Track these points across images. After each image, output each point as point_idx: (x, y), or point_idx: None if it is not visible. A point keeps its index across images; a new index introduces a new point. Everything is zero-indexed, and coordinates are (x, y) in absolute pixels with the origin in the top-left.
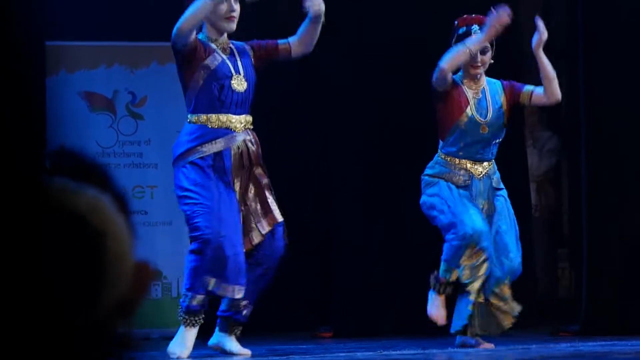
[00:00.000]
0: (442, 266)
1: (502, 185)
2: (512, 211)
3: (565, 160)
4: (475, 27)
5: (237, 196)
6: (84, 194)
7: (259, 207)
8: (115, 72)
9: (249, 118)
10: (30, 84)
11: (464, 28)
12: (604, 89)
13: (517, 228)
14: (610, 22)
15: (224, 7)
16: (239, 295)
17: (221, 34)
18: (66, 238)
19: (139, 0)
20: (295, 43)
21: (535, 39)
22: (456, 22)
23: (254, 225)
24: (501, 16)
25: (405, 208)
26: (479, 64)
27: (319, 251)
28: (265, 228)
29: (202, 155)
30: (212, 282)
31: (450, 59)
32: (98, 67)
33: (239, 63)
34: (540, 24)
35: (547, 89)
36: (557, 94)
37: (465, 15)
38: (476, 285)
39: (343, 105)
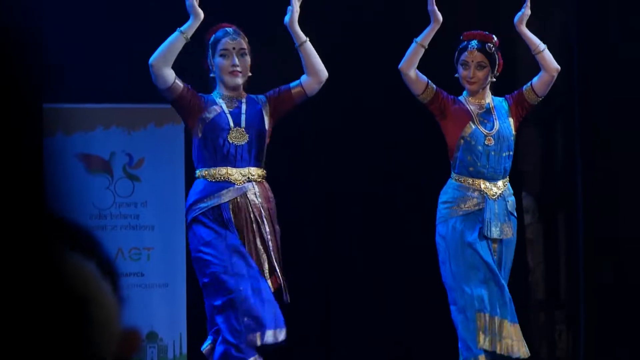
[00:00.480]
0: (461, 347)
1: (515, 214)
2: (513, 249)
3: (562, 217)
4: (474, 42)
5: (247, 247)
6: (69, 260)
7: (265, 265)
8: (112, 134)
9: (255, 170)
10: (28, 146)
11: (465, 42)
12: (601, 144)
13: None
14: (607, 73)
15: (226, 62)
16: (281, 337)
17: (229, 89)
18: (51, 304)
19: (135, 62)
20: (305, 79)
21: (518, 15)
22: (461, 37)
23: (270, 267)
24: None
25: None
26: (474, 80)
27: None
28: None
29: (202, 211)
30: (257, 338)
31: (405, 59)
32: (95, 129)
33: (243, 115)
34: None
35: (542, 62)
36: (554, 62)
37: (471, 31)
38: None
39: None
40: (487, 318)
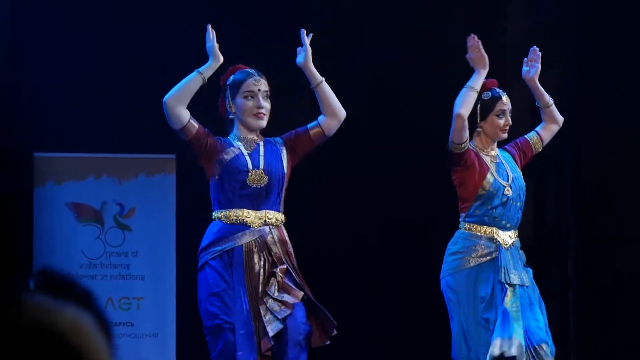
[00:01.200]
0: None
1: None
2: (539, 296)
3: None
4: (499, 89)
5: (249, 296)
6: (65, 312)
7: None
8: (103, 183)
9: (273, 214)
10: (19, 195)
11: (489, 92)
12: (591, 205)
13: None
14: (597, 133)
15: (250, 103)
16: None
17: (250, 131)
18: (46, 356)
19: (126, 113)
20: (323, 119)
21: (532, 71)
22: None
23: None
24: (471, 46)
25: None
26: (508, 127)
27: None
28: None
29: (216, 254)
30: None
31: (462, 104)
32: (86, 178)
33: (261, 158)
34: (536, 54)
35: (551, 115)
36: (559, 115)
37: (489, 80)
38: None
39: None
40: None
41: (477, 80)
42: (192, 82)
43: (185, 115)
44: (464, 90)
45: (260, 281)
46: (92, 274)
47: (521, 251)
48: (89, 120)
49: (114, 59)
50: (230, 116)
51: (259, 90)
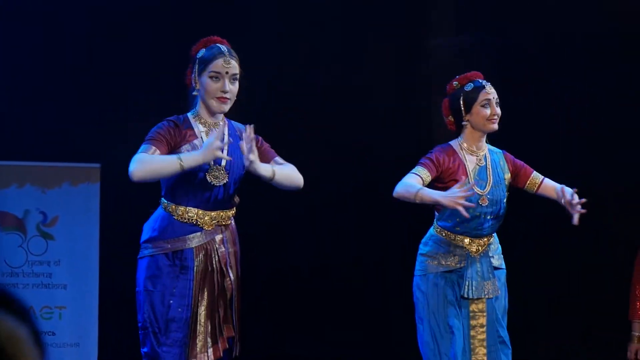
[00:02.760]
0: None
1: (503, 265)
2: (506, 302)
3: None
4: (482, 80)
5: (194, 300)
6: (2, 323)
7: (221, 313)
8: (26, 192)
9: (225, 213)
10: None
11: (471, 84)
12: None
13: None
14: None
15: (215, 85)
16: None
17: (212, 114)
18: None
19: (51, 121)
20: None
21: (572, 207)
22: (456, 83)
23: (224, 317)
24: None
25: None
26: (497, 118)
27: None
28: (222, 346)
29: (163, 251)
30: None
31: (401, 195)
32: (9, 186)
33: (224, 152)
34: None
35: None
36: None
37: (460, 75)
38: None
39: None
40: None
41: (426, 194)
42: (168, 167)
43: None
44: (414, 189)
45: (208, 288)
46: (14, 282)
47: (496, 253)
48: (13, 128)
49: (38, 66)
50: (194, 92)
51: (227, 72)
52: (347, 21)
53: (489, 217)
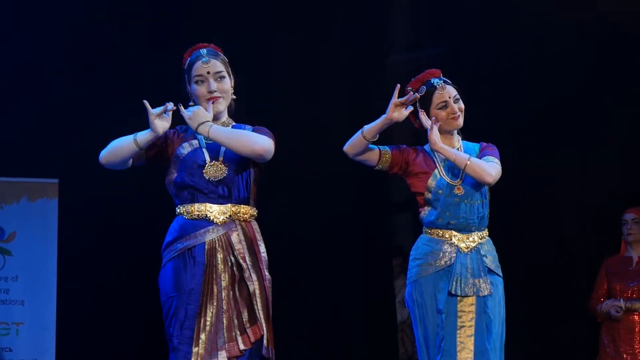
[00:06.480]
0: None
1: (500, 272)
2: (503, 312)
3: None
4: (434, 80)
5: (219, 294)
6: None
7: (245, 315)
8: None
9: (238, 208)
10: None
11: (424, 87)
12: None
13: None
14: None
15: (202, 88)
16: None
17: (213, 118)
18: None
19: (9, 136)
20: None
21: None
22: (409, 88)
23: (234, 335)
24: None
25: None
26: (458, 114)
27: None
28: (244, 344)
29: (176, 253)
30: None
31: (349, 144)
32: None
33: (222, 148)
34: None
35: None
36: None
37: (413, 79)
38: None
39: None
40: None
41: (372, 128)
42: (124, 145)
43: (127, 163)
44: (358, 132)
45: (224, 285)
46: None
47: (491, 255)
48: None
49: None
50: (190, 103)
51: (209, 72)
52: (304, 39)
53: (470, 203)
